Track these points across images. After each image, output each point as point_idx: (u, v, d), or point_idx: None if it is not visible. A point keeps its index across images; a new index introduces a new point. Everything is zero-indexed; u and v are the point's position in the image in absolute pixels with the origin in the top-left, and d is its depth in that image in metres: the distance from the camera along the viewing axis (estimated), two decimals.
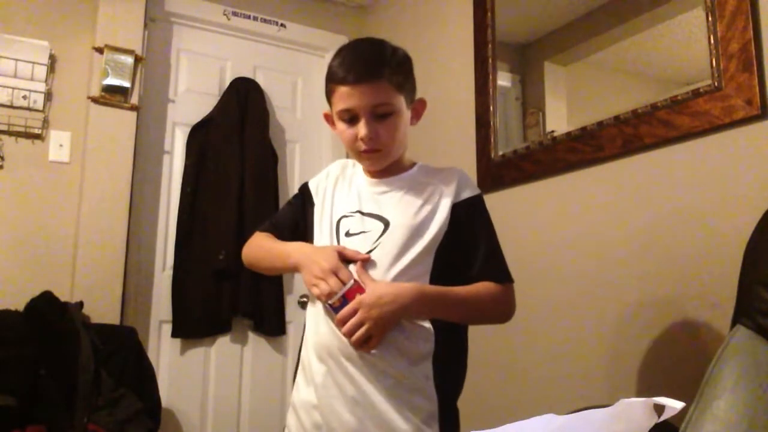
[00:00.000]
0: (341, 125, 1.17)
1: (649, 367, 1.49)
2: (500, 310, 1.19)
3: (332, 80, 1.16)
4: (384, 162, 1.20)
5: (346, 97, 1.13)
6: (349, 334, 1.07)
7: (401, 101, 1.16)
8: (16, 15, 2.31)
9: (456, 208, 1.16)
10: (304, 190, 1.32)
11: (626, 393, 1.52)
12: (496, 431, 0.59)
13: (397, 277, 1.11)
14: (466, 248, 1.16)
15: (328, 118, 1.23)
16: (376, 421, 1.07)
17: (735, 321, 1.00)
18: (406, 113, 1.19)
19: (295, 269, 1.19)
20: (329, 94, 1.18)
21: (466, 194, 1.18)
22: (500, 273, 1.18)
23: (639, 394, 1.49)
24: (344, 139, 1.18)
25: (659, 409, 0.57)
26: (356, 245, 1.15)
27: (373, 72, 1.13)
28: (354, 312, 1.07)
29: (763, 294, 0.96)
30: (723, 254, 1.33)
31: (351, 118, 1.15)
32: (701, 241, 1.40)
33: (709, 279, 1.36)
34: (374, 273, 1.12)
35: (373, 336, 1.07)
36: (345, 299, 1.08)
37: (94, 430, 1.81)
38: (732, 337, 0.96)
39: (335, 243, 1.18)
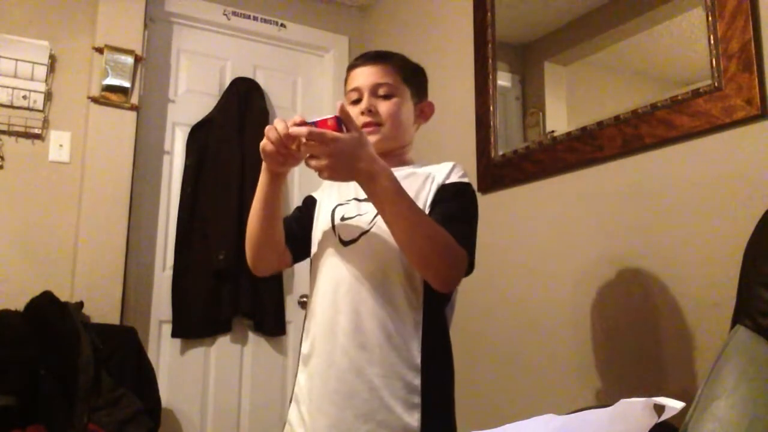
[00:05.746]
0: (348, 108, 1.19)
1: (649, 367, 1.49)
2: (447, 258, 1.06)
3: (348, 69, 1.28)
4: (383, 142, 1.20)
5: (355, 77, 1.25)
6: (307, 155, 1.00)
7: (405, 91, 1.25)
8: (16, 15, 2.31)
9: (440, 189, 1.17)
10: (308, 197, 1.37)
11: (626, 393, 1.52)
12: (496, 431, 0.59)
13: (392, 257, 1.12)
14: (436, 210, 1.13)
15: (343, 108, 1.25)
16: (356, 412, 1.07)
17: (735, 321, 1.00)
18: (410, 105, 1.26)
19: (264, 167, 1.13)
20: (345, 84, 1.29)
21: (452, 179, 1.19)
22: (459, 234, 1.07)
23: (639, 394, 1.49)
24: None
25: (659, 409, 0.57)
26: (352, 228, 1.17)
27: (382, 56, 1.25)
28: (322, 139, 0.96)
29: (763, 294, 0.96)
30: (723, 254, 1.33)
31: (357, 98, 1.23)
32: (701, 240, 1.40)
33: (709, 279, 1.37)
34: (370, 251, 1.14)
35: (323, 173, 1.00)
36: (315, 126, 0.99)
37: (94, 430, 1.81)
38: (732, 337, 0.96)
39: (331, 229, 1.21)
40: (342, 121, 1.00)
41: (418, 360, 1.10)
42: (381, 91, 1.22)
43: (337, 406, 1.08)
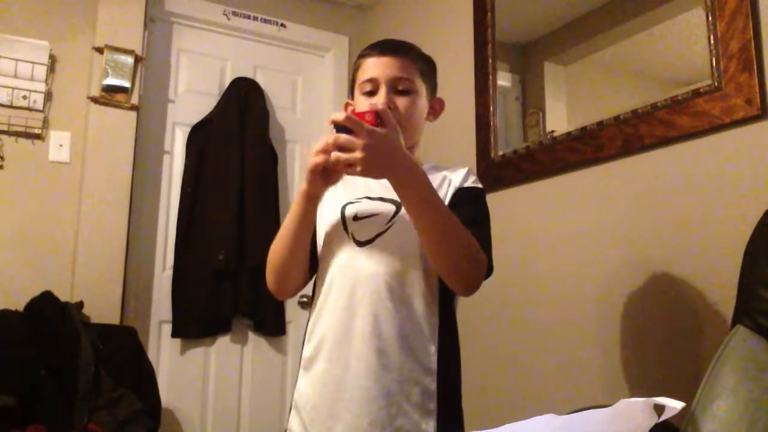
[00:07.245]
0: (360, 99, 1.17)
1: (649, 367, 1.49)
2: (474, 261, 1.05)
3: (360, 57, 1.20)
4: None
5: (371, 67, 1.17)
6: (336, 148, 0.95)
7: (422, 87, 1.20)
8: (16, 15, 2.30)
9: (457, 192, 1.16)
10: None
11: (626, 393, 1.52)
12: (496, 431, 0.59)
13: (410, 258, 1.09)
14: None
15: (348, 106, 1.22)
16: (372, 418, 1.04)
17: (735, 321, 1.00)
18: (425, 102, 1.21)
19: (302, 194, 1.07)
20: (355, 72, 1.21)
21: (469, 183, 1.18)
22: (480, 237, 1.07)
23: (639, 394, 1.49)
24: None
25: (659, 409, 0.57)
26: (367, 228, 1.12)
27: (401, 48, 1.19)
28: (359, 128, 0.93)
29: (763, 294, 0.96)
30: (723, 254, 1.33)
31: (371, 90, 1.16)
32: (701, 241, 1.40)
33: (709, 279, 1.37)
34: (388, 252, 1.09)
35: (356, 166, 0.95)
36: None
37: (94, 430, 1.81)
38: (732, 337, 0.96)
39: (342, 229, 1.15)
40: (379, 115, 0.97)
41: (435, 365, 1.07)
42: (400, 86, 1.15)
43: (353, 413, 1.04)
